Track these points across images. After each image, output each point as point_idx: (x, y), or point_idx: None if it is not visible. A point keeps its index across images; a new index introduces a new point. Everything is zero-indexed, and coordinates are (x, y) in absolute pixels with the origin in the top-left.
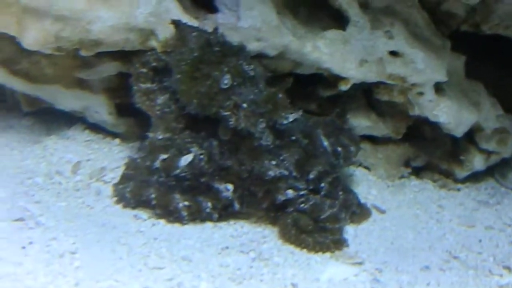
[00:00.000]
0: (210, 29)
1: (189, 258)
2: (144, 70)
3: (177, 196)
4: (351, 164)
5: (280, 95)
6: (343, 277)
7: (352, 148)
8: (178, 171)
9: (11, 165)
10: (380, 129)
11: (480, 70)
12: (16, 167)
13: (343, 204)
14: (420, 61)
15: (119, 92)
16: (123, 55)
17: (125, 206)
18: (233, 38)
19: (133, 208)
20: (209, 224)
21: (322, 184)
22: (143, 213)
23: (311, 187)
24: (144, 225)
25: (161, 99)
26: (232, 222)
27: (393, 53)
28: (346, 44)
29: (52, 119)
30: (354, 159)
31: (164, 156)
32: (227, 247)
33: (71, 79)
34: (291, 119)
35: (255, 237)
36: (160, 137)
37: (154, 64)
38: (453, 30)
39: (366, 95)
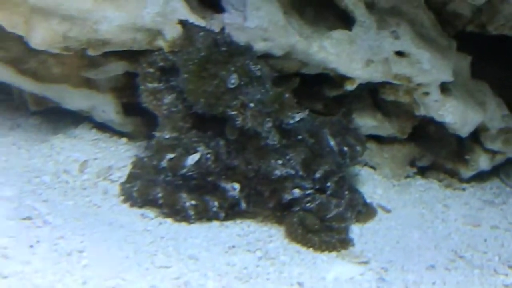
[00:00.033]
0: (217, 29)
1: (196, 257)
2: (151, 69)
3: (184, 195)
4: (357, 163)
5: (287, 95)
6: (349, 276)
7: (358, 148)
8: (185, 170)
9: (18, 164)
10: (386, 128)
11: (485, 70)
12: (24, 166)
13: (349, 204)
14: (426, 61)
15: (126, 92)
16: (130, 55)
17: (132, 205)
18: (240, 38)
19: (140, 207)
20: (215, 223)
21: (328, 184)
22: (150, 212)
23: (317, 187)
24: (151, 224)
25: (168, 98)
26: (238, 221)
27: (399, 53)
28: (352, 44)
29: (59, 118)
30: (360, 158)
31: (171, 155)
32: (233, 246)
33: (79, 79)
34: (297, 119)
35: (262, 236)
36: (167, 136)
37: (161, 63)
38: (459, 30)
39: (372, 95)
